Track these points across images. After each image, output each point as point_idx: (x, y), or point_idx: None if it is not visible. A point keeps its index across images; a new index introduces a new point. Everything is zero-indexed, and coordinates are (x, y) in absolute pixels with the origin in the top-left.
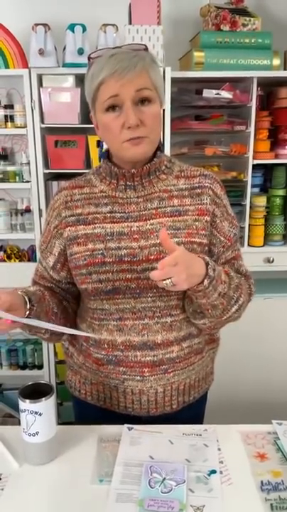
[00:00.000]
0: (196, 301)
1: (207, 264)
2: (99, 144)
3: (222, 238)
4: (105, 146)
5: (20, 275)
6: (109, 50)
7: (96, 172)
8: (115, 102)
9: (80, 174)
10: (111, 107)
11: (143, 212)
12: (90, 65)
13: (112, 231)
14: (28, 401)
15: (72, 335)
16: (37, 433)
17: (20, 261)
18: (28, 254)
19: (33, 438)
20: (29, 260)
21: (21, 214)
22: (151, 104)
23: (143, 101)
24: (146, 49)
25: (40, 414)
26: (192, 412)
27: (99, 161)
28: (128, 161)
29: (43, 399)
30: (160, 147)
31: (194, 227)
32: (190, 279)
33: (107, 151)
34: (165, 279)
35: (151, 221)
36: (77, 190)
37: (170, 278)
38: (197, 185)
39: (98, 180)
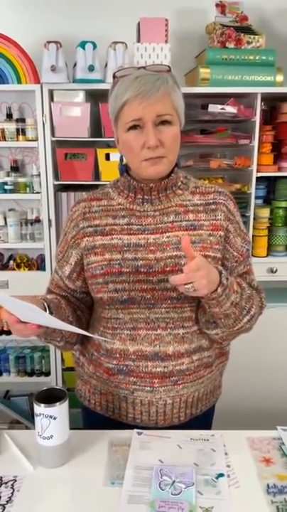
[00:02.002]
0: (209, 310)
1: (220, 273)
2: (107, 156)
3: (235, 253)
4: (125, 160)
5: (29, 283)
6: (134, 71)
7: (114, 185)
8: (137, 123)
9: (89, 186)
10: (133, 127)
11: (160, 226)
12: (115, 83)
13: (129, 242)
14: (43, 405)
15: (83, 345)
16: (51, 436)
17: (29, 270)
18: (37, 263)
19: (47, 441)
20: (38, 269)
21: (31, 224)
22: (171, 126)
23: (164, 122)
24: (169, 70)
25: (54, 418)
26: (199, 424)
27: (121, 174)
28: (145, 178)
29: (57, 403)
30: (177, 164)
31: (208, 241)
32: (209, 285)
33: (126, 164)
34: (187, 284)
35: (167, 234)
36: (94, 203)
37: (191, 283)
38: (211, 201)
39: (116, 193)
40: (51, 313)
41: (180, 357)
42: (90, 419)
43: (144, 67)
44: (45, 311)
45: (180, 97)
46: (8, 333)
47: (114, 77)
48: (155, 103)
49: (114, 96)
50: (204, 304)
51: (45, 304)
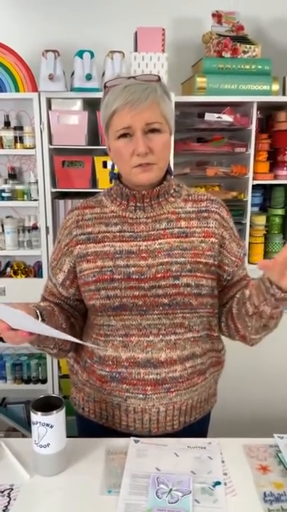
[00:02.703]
0: (273, 311)
1: None
2: (105, 164)
3: (234, 258)
4: (116, 168)
5: (26, 291)
6: (124, 81)
7: (108, 193)
8: (127, 132)
9: (86, 193)
10: (123, 135)
11: (152, 232)
12: (106, 92)
13: (121, 249)
14: (39, 413)
15: (77, 352)
16: (48, 445)
17: (26, 277)
18: (34, 270)
19: (44, 449)
20: (35, 276)
21: (28, 231)
22: (160, 134)
23: (153, 130)
24: (159, 80)
25: (51, 427)
26: (194, 433)
27: (110, 181)
28: (136, 185)
29: (54, 411)
30: (169, 171)
31: (200, 248)
32: None
33: (118, 172)
34: None
35: (159, 241)
36: (88, 210)
37: None
38: (204, 208)
39: (109, 201)
40: (43, 320)
41: (172, 364)
42: (84, 426)
43: (134, 77)
44: (38, 318)
45: (170, 106)
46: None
47: (105, 86)
48: (144, 111)
49: (104, 105)
50: (269, 308)
51: (38, 311)
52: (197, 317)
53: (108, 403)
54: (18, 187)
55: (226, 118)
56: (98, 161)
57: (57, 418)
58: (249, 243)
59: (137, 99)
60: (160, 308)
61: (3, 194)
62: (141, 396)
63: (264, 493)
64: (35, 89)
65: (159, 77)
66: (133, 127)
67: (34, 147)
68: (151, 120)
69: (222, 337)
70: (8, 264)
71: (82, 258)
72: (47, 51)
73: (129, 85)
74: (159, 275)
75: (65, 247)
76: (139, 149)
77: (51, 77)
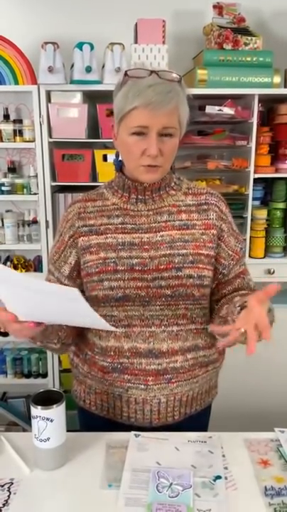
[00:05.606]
0: None
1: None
2: (105, 158)
3: (231, 252)
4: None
5: None
6: (147, 75)
7: (109, 186)
8: (142, 130)
9: (86, 187)
10: (136, 133)
11: (153, 225)
12: (125, 81)
13: (124, 241)
14: (39, 407)
15: (77, 345)
16: (48, 439)
17: (26, 271)
18: (34, 265)
19: (44, 444)
20: (35, 270)
21: (28, 225)
22: (173, 138)
23: (167, 134)
24: (180, 81)
25: (51, 421)
26: (194, 424)
27: (115, 168)
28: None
29: (54, 406)
30: (171, 167)
31: (201, 240)
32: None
33: (122, 161)
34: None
35: (161, 233)
36: (89, 203)
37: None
38: (203, 201)
39: (110, 193)
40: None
41: (173, 354)
42: (86, 420)
43: (157, 73)
44: None
45: (187, 110)
46: (5, 334)
47: (125, 74)
48: (164, 115)
49: (123, 94)
50: None
51: None
52: (199, 309)
53: (109, 394)
54: (18, 181)
55: (228, 111)
56: (98, 154)
57: (57, 412)
58: (250, 237)
59: (160, 101)
60: (163, 299)
61: (3, 188)
62: (142, 386)
63: (265, 488)
64: (34, 81)
65: (181, 77)
66: (149, 127)
67: (34, 140)
68: (168, 125)
69: None
70: (8, 259)
71: (85, 250)
72: (46, 43)
73: (154, 84)
74: (162, 267)
75: (70, 239)
76: (152, 152)
77: (50, 70)
